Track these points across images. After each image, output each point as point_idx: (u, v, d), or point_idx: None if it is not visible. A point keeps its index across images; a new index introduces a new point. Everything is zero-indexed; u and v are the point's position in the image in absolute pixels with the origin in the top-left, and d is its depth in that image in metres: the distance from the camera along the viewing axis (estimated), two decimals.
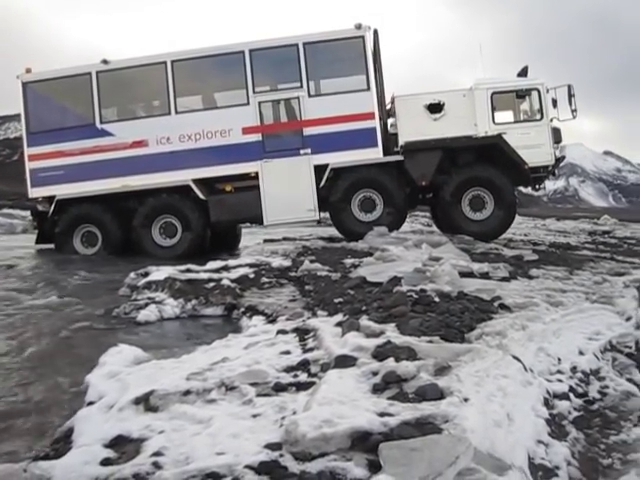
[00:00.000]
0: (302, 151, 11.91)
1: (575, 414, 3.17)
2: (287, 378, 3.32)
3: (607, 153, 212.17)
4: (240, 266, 7.81)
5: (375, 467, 2.17)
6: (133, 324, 5.84)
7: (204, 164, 12.00)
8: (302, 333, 4.36)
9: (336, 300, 5.51)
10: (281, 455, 2.30)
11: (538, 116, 12.25)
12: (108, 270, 9.34)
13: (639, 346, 4.38)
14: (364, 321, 4.18)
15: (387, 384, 2.95)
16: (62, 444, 2.72)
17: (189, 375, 3.29)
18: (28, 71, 12.48)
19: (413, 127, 12.11)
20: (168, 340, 5.33)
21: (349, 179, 11.96)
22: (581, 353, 3.95)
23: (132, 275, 7.53)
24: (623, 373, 3.88)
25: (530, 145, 11.90)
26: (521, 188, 14.08)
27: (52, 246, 12.35)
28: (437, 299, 4.89)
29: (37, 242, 12.77)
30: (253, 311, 6.00)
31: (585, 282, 6.86)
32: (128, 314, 6.12)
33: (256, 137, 12.01)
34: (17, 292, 7.44)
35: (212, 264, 7.78)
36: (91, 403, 3.10)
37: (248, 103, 12.06)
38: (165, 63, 12.18)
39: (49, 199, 12.37)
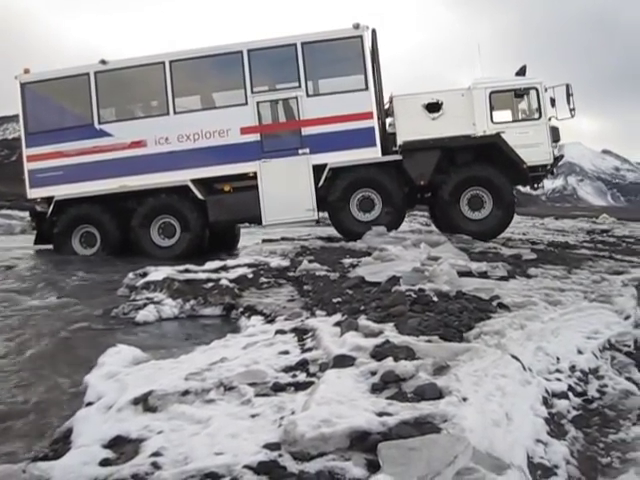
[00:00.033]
0: (300, 151, 11.91)
1: (574, 413, 3.17)
2: (286, 378, 3.31)
3: (606, 152, 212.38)
4: (239, 266, 7.81)
5: (374, 467, 2.17)
6: (132, 324, 5.83)
7: (202, 164, 12.00)
8: (301, 333, 4.36)
9: (335, 300, 5.50)
10: (280, 455, 2.30)
11: (536, 115, 12.25)
12: (107, 270, 9.34)
13: (638, 345, 4.38)
14: (363, 321, 4.18)
15: (386, 384, 2.95)
16: (61, 445, 2.72)
17: (188, 375, 3.29)
18: (26, 72, 12.48)
19: (411, 126, 12.11)
20: (167, 340, 5.32)
21: (348, 179, 11.96)
22: (580, 352, 3.96)
23: (130, 275, 7.53)
24: (622, 372, 3.88)
25: (528, 144, 11.91)
26: (520, 187, 14.08)
27: (51, 247, 12.34)
28: (436, 298, 4.89)
29: (36, 243, 12.77)
30: (252, 311, 5.99)
31: (584, 281, 6.86)
32: (127, 314, 6.12)
33: (254, 137, 12.01)
34: (16, 293, 7.44)
35: (210, 264, 7.78)
36: (90, 404, 3.10)
37: (246, 103, 12.06)
38: (163, 63, 12.18)
39: (48, 200, 12.37)
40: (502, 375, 3.08)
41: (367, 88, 11.96)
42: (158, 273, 7.19)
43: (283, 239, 13.10)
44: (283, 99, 12.23)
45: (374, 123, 11.92)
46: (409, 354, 3.31)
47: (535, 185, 12.98)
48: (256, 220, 12.34)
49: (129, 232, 12.04)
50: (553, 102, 12.27)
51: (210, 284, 6.90)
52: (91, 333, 5.47)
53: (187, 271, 7.36)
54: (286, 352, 3.86)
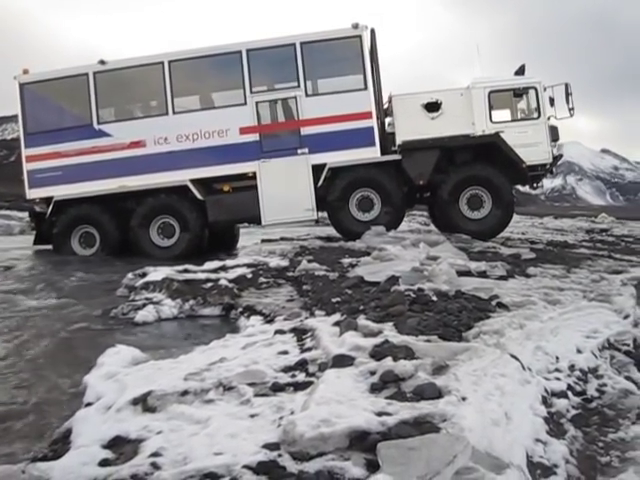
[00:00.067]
0: (300, 151, 11.90)
1: (573, 412, 3.17)
2: (285, 378, 3.32)
3: (604, 151, 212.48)
4: (238, 266, 7.81)
5: (373, 466, 2.17)
6: (131, 325, 5.83)
7: (202, 164, 11.99)
8: (300, 333, 4.36)
9: (334, 300, 5.50)
10: (279, 455, 2.30)
11: (535, 114, 12.25)
12: (106, 271, 9.33)
13: (637, 344, 4.38)
14: (362, 320, 4.19)
15: (385, 383, 2.95)
16: (60, 445, 2.71)
17: (187, 375, 3.29)
18: (25, 72, 12.46)
19: (410, 126, 12.11)
20: (166, 340, 5.32)
21: (347, 178, 11.96)
22: (579, 351, 3.96)
23: (130, 276, 7.53)
24: (621, 371, 3.89)
25: (528, 143, 11.91)
26: (519, 187, 14.09)
27: (50, 247, 12.34)
28: (435, 298, 4.89)
29: (35, 243, 12.76)
30: (251, 311, 5.99)
31: (583, 280, 6.86)
32: (126, 315, 6.12)
33: (254, 137, 12.00)
34: (15, 293, 7.43)
35: (210, 264, 7.78)
36: (89, 404, 3.10)
37: (245, 103, 12.05)
38: (162, 63, 12.16)
39: (47, 200, 12.36)
40: (501, 374, 3.08)
41: (366, 88, 11.95)
42: (157, 273, 7.19)
43: (282, 239, 13.09)
44: (282, 99, 12.22)
45: (373, 123, 11.91)
46: (408, 354, 3.31)
47: (534, 184, 12.98)
48: (255, 220, 12.33)
49: (128, 232, 12.03)
50: (552, 101, 12.27)
51: (209, 284, 6.90)
52: (90, 333, 5.47)
53: (186, 271, 7.36)
54: (285, 352, 3.86)
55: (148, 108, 13.35)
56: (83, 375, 3.57)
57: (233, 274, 7.37)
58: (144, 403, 2.95)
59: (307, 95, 11.99)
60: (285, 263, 8.25)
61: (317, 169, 11.87)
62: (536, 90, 12.23)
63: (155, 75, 12.19)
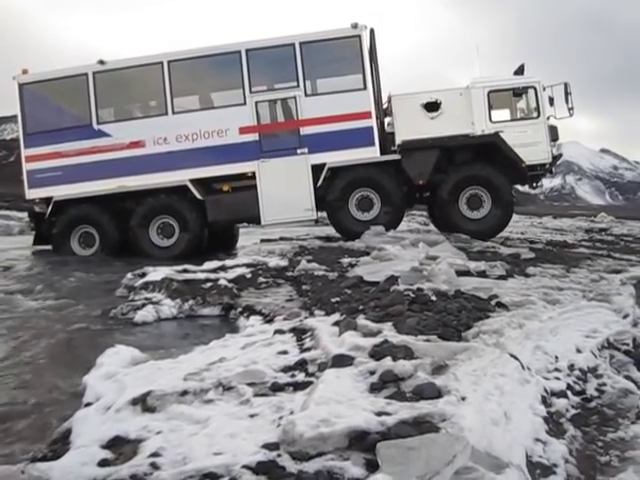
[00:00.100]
0: (299, 151, 11.90)
1: (573, 412, 3.18)
2: (284, 378, 3.32)
3: (604, 151, 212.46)
4: (237, 266, 7.81)
5: (373, 466, 2.17)
6: (130, 325, 5.83)
7: (201, 164, 11.99)
8: (299, 333, 4.36)
9: (333, 300, 5.51)
10: (279, 455, 2.30)
11: (535, 114, 12.25)
12: (105, 271, 9.33)
13: (636, 343, 4.39)
14: (361, 320, 4.19)
15: (384, 383, 2.95)
16: (60, 445, 2.71)
17: (186, 375, 3.29)
18: (25, 72, 12.46)
19: (410, 126, 12.11)
20: (165, 340, 5.33)
21: (346, 178, 11.96)
22: (578, 351, 3.96)
23: (129, 276, 7.53)
24: (620, 370, 3.89)
25: (527, 143, 11.91)
26: (518, 186, 14.09)
27: (50, 247, 12.33)
28: (434, 298, 4.89)
29: (34, 243, 12.76)
30: (250, 311, 5.99)
31: (582, 280, 6.87)
32: (125, 315, 6.12)
33: (253, 137, 12.01)
34: (14, 294, 7.44)
35: (209, 264, 7.78)
36: (88, 404, 3.10)
37: (245, 103, 12.05)
38: (162, 63, 12.16)
39: (46, 200, 12.36)
40: (501, 374, 3.08)
41: (365, 87, 11.95)
42: (157, 273, 7.19)
43: (281, 239, 13.10)
44: (281, 99, 12.22)
45: (372, 123, 11.91)
46: (408, 353, 3.31)
47: (534, 184, 12.98)
48: (255, 220, 12.33)
49: (128, 232, 12.02)
50: (551, 101, 12.27)
51: (209, 284, 6.91)
52: (90, 334, 5.47)
53: (186, 271, 7.36)
54: (285, 352, 3.86)
55: (147, 108, 13.35)
56: (82, 375, 3.57)
57: (232, 274, 7.37)
58: (143, 403, 2.94)
59: (306, 95, 11.99)
60: (284, 263, 8.26)
61: (316, 169, 11.87)
62: (535, 90, 12.23)
63: (154, 75, 12.19)
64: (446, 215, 12.37)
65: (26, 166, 12.35)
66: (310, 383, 3.14)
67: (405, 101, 12.40)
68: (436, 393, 2.75)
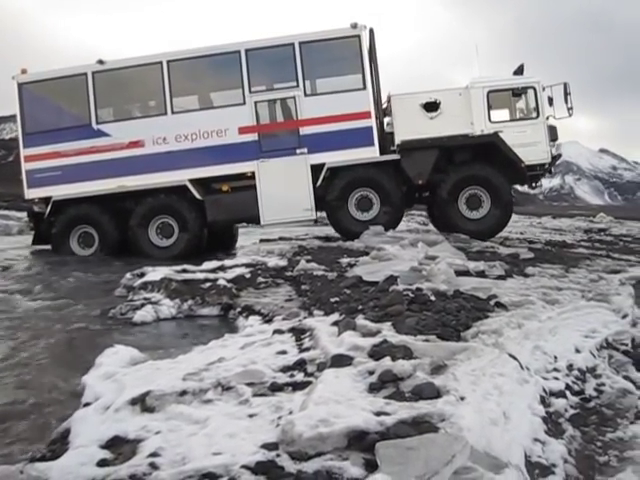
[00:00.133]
0: (298, 150, 11.90)
1: (571, 412, 3.18)
2: (283, 378, 3.32)
3: (603, 151, 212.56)
4: (236, 266, 7.81)
5: (372, 466, 2.17)
6: (129, 325, 5.83)
7: (200, 164, 11.99)
8: (298, 333, 4.36)
9: (332, 299, 5.51)
10: (278, 455, 2.30)
11: (534, 114, 12.26)
12: (104, 271, 9.33)
13: (635, 343, 4.39)
14: (360, 320, 4.18)
15: (383, 383, 2.95)
16: (59, 445, 2.71)
17: (185, 375, 3.29)
18: (24, 72, 12.45)
19: (409, 126, 12.11)
20: (164, 340, 5.33)
21: (346, 178, 11.96)
22: (577, 351, 3.96)
23: (128, 276, 7.53)
24: (619, 370, 3.89)
25: (526, 143, 11.91)
26: (517, 186, 14.09)
27: (49, 247, 12.33)
28: (433, 298, 4.89)
29: (34, 243, 12.76)
30: (249, 311, 5.99)
31: (581, 280, 6.87)
32: (124, 315, 6.11)
33: (252, 137, 12.00)
34: (13, 294, 7.43)
35: (208, 264, 7.78)
36: (87, 404, 3.09)
37: (244, 103, 12.05)
38: (161, 63, 12.16)
39: (45, 200, 12.35)
40: (500, 374, 3.08)
41: (365, 87, 11.95)
42: (156, 273, 7.18)
43: (281, 239, 13.10)
44: (281, 99, 12.22)
45: (372, 122, 11.92)
46: (407, 353, 3.31)
47: (533, 184, 12.98)
48: (254, 220, 12.33)
49: (127, 232, 12.02)
50: (551, 101, 12.28)
51: (208, 284, 6.91)
52: (89, 334, 5.47)
53: (185, 271, 7.36)
54: (284, 352, 3.86)
55: (147, 108, 13.35)
56: (81, 375, 3.57)
57: (231, 274, 7.37)
58: (142, 403, 2.94)
59: (306, 95, 11.99)
60: (284, 263, 8.26)
61: (316, 169, 11.87)
62: (535, 90, 12.23)
63: (154, 75, 12.18)
64: (445, 215, 12.37)
65: (25, 166, 12.35)
66: (309, 383, 3.15)
67: (404, 101, 12.40)
68: (435, 393, 2.75)
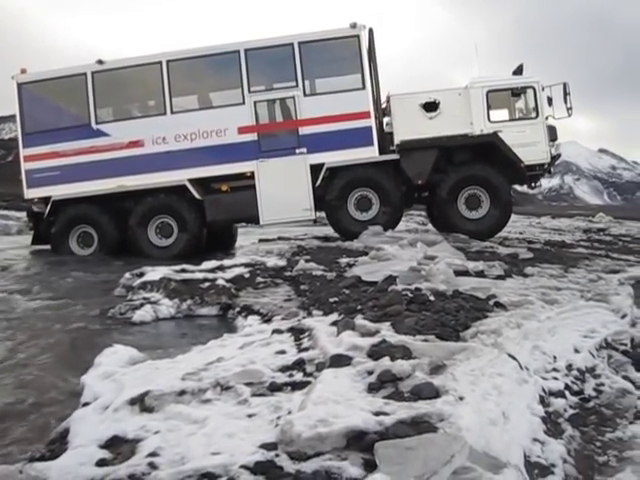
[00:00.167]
0: (298, 150, 11.90)
1: (571, 412, 3.18)
2: (282, 378, 3.32)
3: (602, 151, 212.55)
4: (235, 266, 7.80)
5: (371, 466, 2.17)
6: (128, 324, 5.83)
7: (200, 164, 11.98)
8: (297, 333, 4.36)
9: (331, 299, 5.51)
10: (276, 455, 2.30)
11: (534, 114, 12.26)
12: (103, 270, 9.33)
13: (634, 343, 4.39)
14: (359, 320, 4.18)
15: (382, 383, 2.95)
16: (58, 445, 2.71)
17: (184, 375, 3.29)
18: (23, 72, 12.44)
19: (409, 126, 12.11)
20: (163, 340, 5.33)
21: (345, 178, 11.96)
22: (576, 351, 3.96)
23: (127, 275, 7.52)
24: (619, 370, 3.89)
25: (526, 143, 11.91)
26: (517, 186, 14.10)
27: (48, 247, 12.32)
28: (432, 298, 4.89)
29: (33, 243, 12.76)
30: (248, 311, 6.00)
31: (580, 280, 6.88)
32: (123, 314, 6.11)
33: (252, 137, 12.00)
34: (12, 294, 7.43)
35: (207, 264, 7.77)
36: (86, 404, 3.09)
37: (244, 102, 12.04)
38: (160, 63, 12.15)
39: (45, 200, 12.34)
40: (499, 374, 3.08)
41: (364, 87, 11.95)
42: (155, 273, 7.18)
43: (280, 239, 13.10)
44: (280, 99, 12.21)
45: (371, 122, 11.91)
46: (406, 353, 3.31)
47: (532, 184, 12.98)
48: (253, 220, 12.33)
49: (126, 232, 12.02)
50: (550, 101, 12.28)
51: (207, 284, 6.90)
52: (88, 333, 5.47)
53: (184, 271, 7.35)
54: (283, 352, 3.86)
55: (146, 108, 13.35)
56: (80, 375, 3.57)
57: (231, 274, 7.37)
58: (141, 403, 2.95)
59: (305, 95, 11.99)
60: (283, 263, 8.26)
61: (315, 169, 11.87)
62: (534, 90, 12.23)
63: (153, 75, 12.18)
64: (445, 215, 12.37)
65: (25, 166, 12.33)
66: (308, 383, 3.15)
67: (404, 101, 12.39)
68: (434, 393, 2.75)
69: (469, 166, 12.20)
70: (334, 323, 4.37)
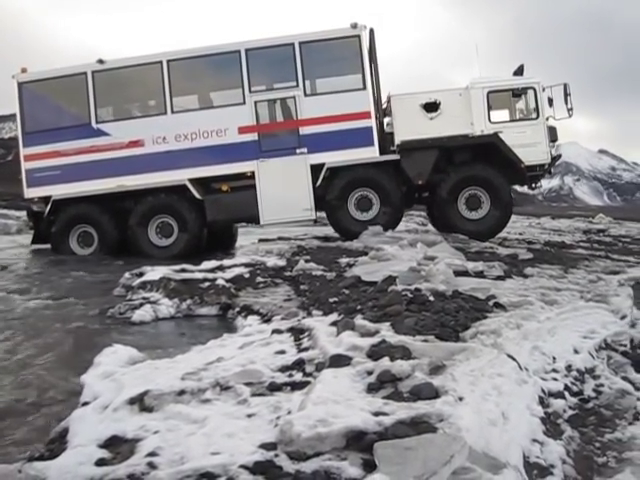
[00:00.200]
0: (298, 150, 11.91)
1: (570, 412, 3.18)
2: (282, 378, 3.31)
3: (602, 152, 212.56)
4: (235, 266, 7.80)
5: (370, 466, 2.17)
6: (128, 324, 5.82)
7: (200, 164, 11.99)
8: (297, 333, 4.36)
9: (331, 299, 5.51)
10: (276, 455, 2.29)
11: (534, 115, 12.27)
12: (103, 270, 9.33)
13: (634, 344, 4.39)
14: (359, 320, 4.18)
15: (382, 383, 2.95)
16: (57, 444, 2.71)
17: (184, 375, 3.29)
18: (24, 71, 12.45)
19: (409, 126, 12.12)
20: (163, 340, 5.32)
21: (345, 178, 11.96)
22: (576, 352, 3.96)
23: (127, 275, 7.52)
24: (618, 371, 3.89)
25: (526, 144, 11.92)
26: (517, 187, 14.10)
27: (48, 246, 12.32)
28: (432, 298, 4.89)
29: (33, 242, 12.76)
30: (248, 311, 5.99)
31: (580, 281, 6.88)
32: (123, 314, 6.11)
33: (252, 136, 12.00)
34: (11, 293, 7.42)
35: (207, 264, 7.77)
36: (86, 403, 3.09)
37: (244, 102, 12.05)
38: (161, 63, 12.15)
39: (45, 199, 12.35)
40: (498, 374, 3.08)
41: (365, 87, 11.96)
42: (154, 273, 7.18)
43: (280, 239, 13.10)
44: (281, 98, 12.22)
45: (372, 123, 11.92)
46: (405, 354, 3.31)
47: (533, 185, 12.99)
48: (254, 220, 12.33)
49: (126, 232, 12.02)
50: (551, 102, 12.28)
51: (206, 284, 6.90)
52: (87, 333, 5.46)
53: (183, 271, 7.35)
54: (282, 352, 3.86)
55: (146, 107, 13.35)
56: (80, 374, 3.57)
57: (230, 274, 7.37)
58: (141, 403, 2.94)
59: (306, 95, 11.99)
60: (282, 263, 8.26)
61: (316, 169, 11.87)
62: (535, 90, 12.24)
63: (154, 74, 12.18)
64: (445, 215, 12.38)
65: (25, 165, 12.34)
66: (308, 383, 3.14)
67: (404, 101, 12.40)
68: (433, 393, 2.75)
69: (469, 166, 12.21)
70: (334, 323, 4.37)
